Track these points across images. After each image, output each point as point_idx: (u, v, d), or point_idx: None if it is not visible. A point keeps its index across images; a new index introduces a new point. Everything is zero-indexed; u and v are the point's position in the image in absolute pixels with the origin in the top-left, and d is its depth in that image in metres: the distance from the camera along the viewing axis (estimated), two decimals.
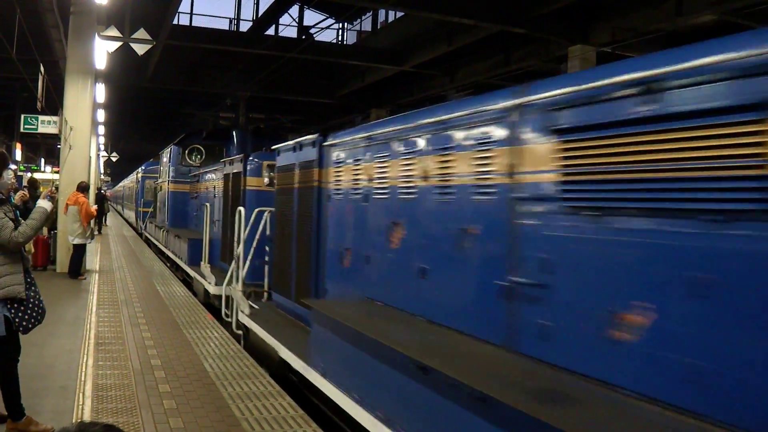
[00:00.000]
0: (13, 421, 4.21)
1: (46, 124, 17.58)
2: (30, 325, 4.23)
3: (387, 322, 4.06)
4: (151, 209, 21.04)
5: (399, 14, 19.26)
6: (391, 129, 4.62)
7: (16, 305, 4.16)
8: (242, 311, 7.14)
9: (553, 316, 2.96)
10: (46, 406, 4.75)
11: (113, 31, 12.54)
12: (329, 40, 24.61)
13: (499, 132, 3.46)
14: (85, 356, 6.17)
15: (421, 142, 4.21)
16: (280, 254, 6.98)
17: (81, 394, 5.03)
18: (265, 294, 7.45)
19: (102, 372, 5.65)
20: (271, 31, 22.17)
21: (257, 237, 7.23)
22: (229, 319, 8.08)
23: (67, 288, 10.45)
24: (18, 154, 32.03)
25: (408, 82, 22.10)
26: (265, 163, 8.63)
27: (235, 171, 9.53)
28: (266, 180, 8.56)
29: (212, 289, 9.24)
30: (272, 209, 7.31)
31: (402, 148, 4.43)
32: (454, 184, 3.81)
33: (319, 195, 5.92)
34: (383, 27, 21.99)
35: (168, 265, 14.38)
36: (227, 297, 8.27)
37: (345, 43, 25.26)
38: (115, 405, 4.79)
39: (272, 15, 21.93)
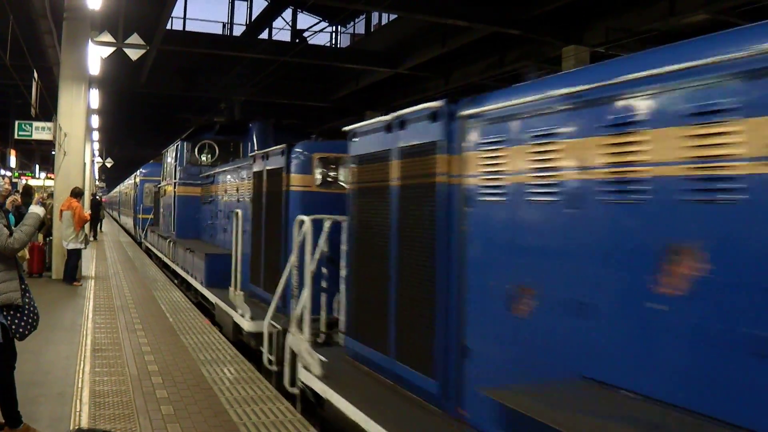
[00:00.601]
0: (10, 429, 4.20)
1: (40, 131, 17.59)
2: (26, 332, 4.23)
3: None
4: (151, 216, 18.90)
5: (392, 17, 19.30)
6: (645, 74, 2.55)
7: (12, 312, 4.15)
8: (309, 369, 5.02)
9: None
10: (44, 413, 4.72)
11: (107, 37, 12.54)
12: (323, 44, 24.70)
13: None
14: (82, 362, 6.15)
15: (754, 90, 2.19)
16: (362, 287, 4.88)
17: (78, 401, 5.00)
18: (322, 335, 5.65)
19: (99, 378, 5.62)
20: (264, 35, 22.24)
21: (316, 257, 5.50)
22: (273, 367, 6.05)
23: (63, 294, 10.42)
24: (12, 161, 32.05)
25: (403, 84, 22.17)
26: (317, 155, 6.69)
27: (271, 167, 7.43)
28: (318, 177, 6.68)
29: (247, 326, 6.97)
30: (337, 218, 5.51)
31: (685, 106, 2.42)
32: None
33: (448, 196, 3.86)
34: (377, 30, 22.05)
35: (176, 282, 12.68)
36: (270, 336, 6.15)
37: (339, 46, 25.33)
38: (113, 411, 4.77)
39: (265, 19, 21.99)
